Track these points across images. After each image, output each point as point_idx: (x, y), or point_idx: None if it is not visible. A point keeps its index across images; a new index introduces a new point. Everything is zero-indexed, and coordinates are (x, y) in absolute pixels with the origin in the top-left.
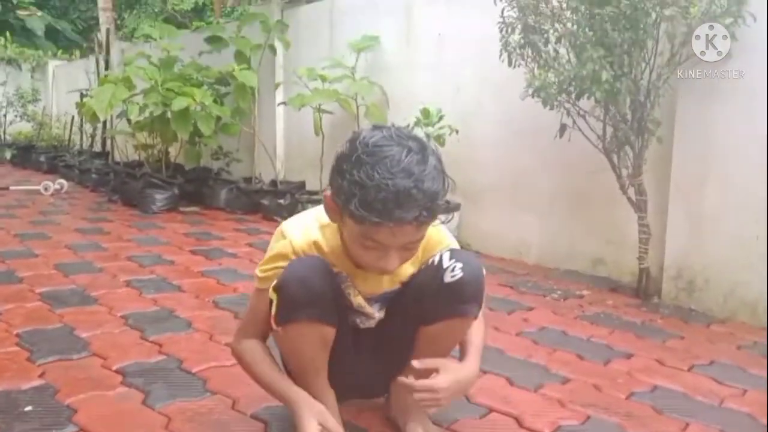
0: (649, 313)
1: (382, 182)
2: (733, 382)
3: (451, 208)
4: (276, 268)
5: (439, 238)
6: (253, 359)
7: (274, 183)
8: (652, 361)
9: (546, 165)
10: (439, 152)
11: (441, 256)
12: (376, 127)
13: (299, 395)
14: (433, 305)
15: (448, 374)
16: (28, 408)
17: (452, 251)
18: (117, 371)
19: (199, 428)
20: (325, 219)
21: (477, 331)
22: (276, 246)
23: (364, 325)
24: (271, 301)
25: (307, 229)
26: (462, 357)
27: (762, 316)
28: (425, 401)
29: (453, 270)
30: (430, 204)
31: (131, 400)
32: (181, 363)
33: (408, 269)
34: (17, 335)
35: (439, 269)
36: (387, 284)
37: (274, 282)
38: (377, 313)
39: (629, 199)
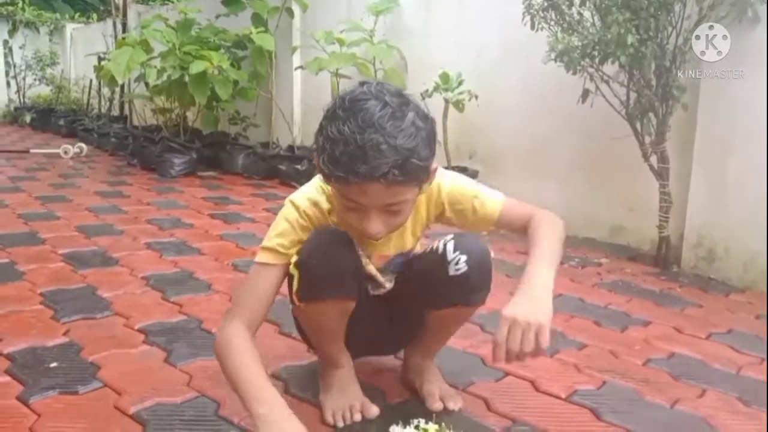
0: (668, 282)
1: (350, 136)
2: (751, 351)
3: (468, 174)
4: (288, 240)
5: (462, 192)
6: (238, 357)
7: (291, 148)
8: (669, 328)
9: (567, 131)
10: (425, 111)
11: (445, 246)
12: (361, 83)
13: (288, 416)
14: (439, 295)
15: (513, 301)
16: (54, 364)
17: (456, 240)
18: (139, 330)
19: (219, 385)
20: (328, 187)
21: (542, 233)
22: (284, 214)
23: (374, 291)
24: (290, 277)
25: (312, 197)
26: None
27: None
28: (528, 347)
29: (457, 263)
30: (402, 162)
31: (154, 358)
32: (202, 323)
33: (417, 228)
34: (41, 294)
35: (443, 261)
36: (394, 248)
37: (295, 258)
38: (387, 284)
39: (651, 166)
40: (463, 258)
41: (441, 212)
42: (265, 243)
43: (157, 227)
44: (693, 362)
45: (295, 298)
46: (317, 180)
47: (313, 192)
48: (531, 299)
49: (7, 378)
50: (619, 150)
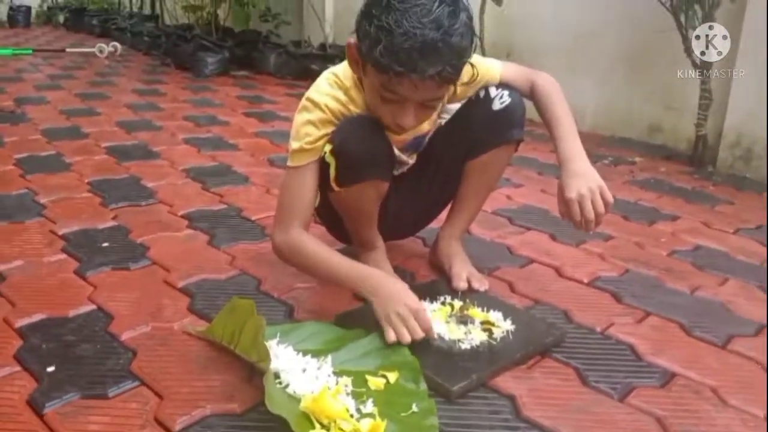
0: (701, 180)
1: (410, 30)
2: None
3: None
4: (320, 138)
5: (477, 75)
6: (317, 248)
7: (323, 47)
8: (698, 223)
9: (609, 25)
10: (471, 10)
11: (486, 90)
12: None
13: (394, 278)
14: (482, 135)
15: (569, 182)
16: (105, 244)
17: (494, 84)
18: (183, 216)
19: (261, 265)
20: (345, 81)
21: (557, 105)
22: (305, 114)
23: (397, 171)
24: (325, 167)
25: (328, 91)
26: (556, 151)
27: None
28: (600, 209)
29: (501, 97)
30: (456, 61)
31: (198, 241)
32: (241, 211)
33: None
34: (89, 183)
35: (486, 100)
36: (411, 132)
37: (329, 147)
38: (410, 160)
39: (693, 62)
40: (506, 92)
41: (453, 92)
42: (294, 146)
43: (194, 124)
44: (717, 254)
45: (333, 184)
46: (328, 75)
47: (327, 87)
48: (579, 172)
49: (64, 255)
50: (661, 45)
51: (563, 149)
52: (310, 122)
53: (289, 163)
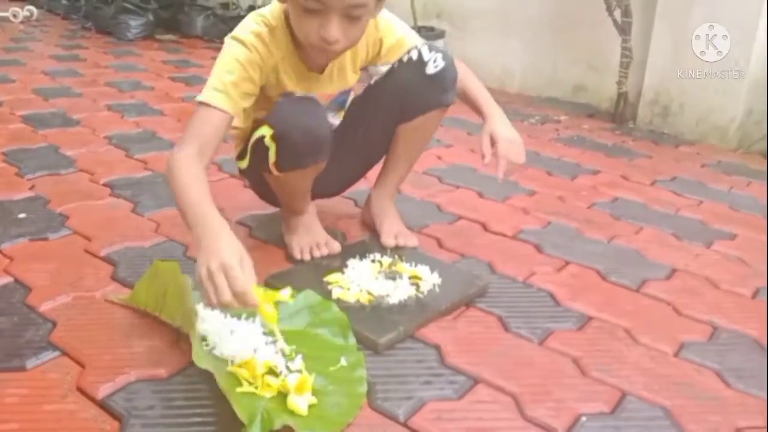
0: (621, 136)
1: None
2: (692, 195)
3: (435, 34)
4: (244, 80)
5: (403, 40)
6: (190, 176)
7: (252, 8)
8: (617, 176)
9: None
10: None
11: (419, 52)
12: None
13: (224, 227)
14: (416, 99)
15: (498, 127)
16: (22, 215)
17: (427, 45)
18: (105, 185)
19: (188, 232)
20: (272, 21)
21: (475, 85)
22: (230, 52)
23: None
24: (262, 148)
25: (254, 29)
26: (482, 117)
27: (732, 139)
28: (522, 159)
29: (435, 61)
30: None
31: (121, 209)
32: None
33: (357, 64)
34: (3, 153)
35: (419, 64)
36: (337, 87)
37: (269, 131)
38: (335, 120)
39: (615, 21)
40: (440, 56)
41: (377, 52)
42: (215, 83)
43: (117, 89)
44: (635, 205)
45: (272, 168)
46: (254, 15)
47: (253, 24)
48: (507, 125)
49: None
50: (584, 5)
51: (488, 107)
52: (236, 60)
53: (202, 98)
